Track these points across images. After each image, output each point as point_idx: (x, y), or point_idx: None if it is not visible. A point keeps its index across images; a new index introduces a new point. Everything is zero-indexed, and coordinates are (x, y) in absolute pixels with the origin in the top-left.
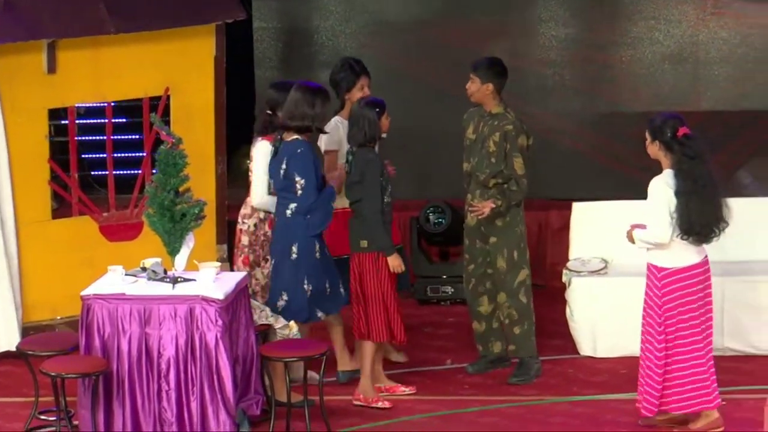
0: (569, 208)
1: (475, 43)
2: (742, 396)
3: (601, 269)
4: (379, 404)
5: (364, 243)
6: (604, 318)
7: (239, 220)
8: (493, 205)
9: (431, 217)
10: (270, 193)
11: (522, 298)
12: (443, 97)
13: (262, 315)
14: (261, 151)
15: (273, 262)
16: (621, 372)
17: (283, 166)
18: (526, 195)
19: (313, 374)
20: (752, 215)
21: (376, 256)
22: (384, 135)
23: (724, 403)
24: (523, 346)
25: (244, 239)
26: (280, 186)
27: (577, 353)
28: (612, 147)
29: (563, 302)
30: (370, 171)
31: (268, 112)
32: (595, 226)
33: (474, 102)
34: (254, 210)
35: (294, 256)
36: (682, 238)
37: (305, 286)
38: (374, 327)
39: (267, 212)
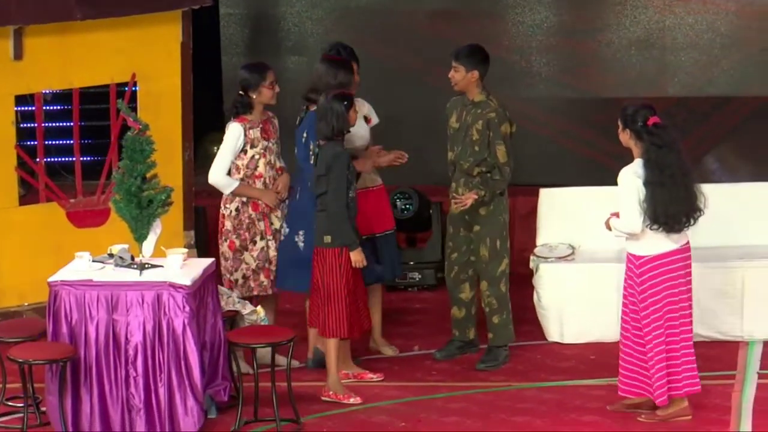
0: (536, 194)
1: (443, 29)
2: (709, 382)
3: (569, 255)
4: (351, 400)
5: (327, 238)
6: (572, 304)
7: (221, 205)
8: (476, 196)
9: (399, 203)
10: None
11: (502, 287)
12: (410, 82)
13: (230, 301)
14: (231, 133)
15: (306, 234)
16: (589, 358)
17: (305, 135)
18: (509, 183)
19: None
20: (719, 201)
21: (340, 251)
22: (373, 119)
23: (697, 389)
24: (501, 334)
25: (228, 224)
26: (302, 155)
27: (545, 339)
28: (579, 133)
29: (530, 288)
30: (337, 165)
31: (240, 93)
32: (562, 212)
33: (457, 91)
34: (234, 194)
35: None
36: (650, 228)
37: None
38: (335, 323)
39: (249, 196)
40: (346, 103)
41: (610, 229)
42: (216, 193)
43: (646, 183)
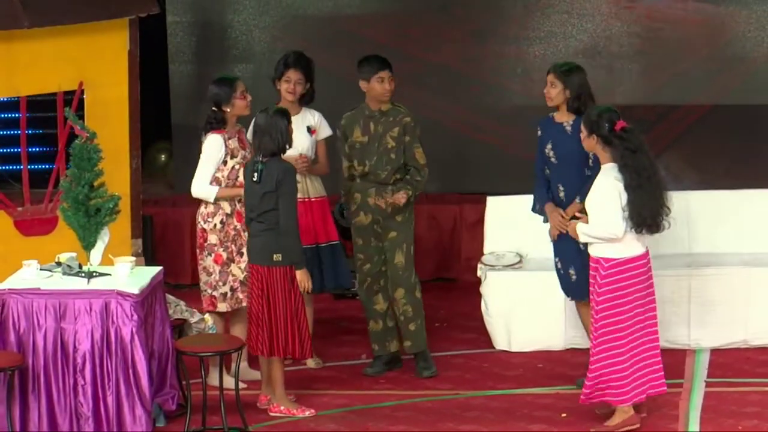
0: (483, 202)
1: (388, 37)
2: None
3: (516, 263)
4: (307, 414)
5: (278, 257)
6: (519, 312)
7: (199, 219)
8: (407, 195)
9: (347, 212)
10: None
11: (417, 294)
12: (357, 91)
13: (178, 309)
14: (212, 144)
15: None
16: (536, 366)
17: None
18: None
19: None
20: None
21: (289, 270)
22: (323, 131)
23: (663, 389)
24: (418, 341)
25: (212, 238)
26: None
27: (492, 347)
28: (526, 141)
29: (477, 296)
30: (287, 181)
31: (213, 108)
32: (509, 220)
33: (385, 101)
34: (217, 207)
35: None
36: (637, 231)
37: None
38: (281, 343)
39: (233, 207)
40: (286, 119)
41: (576, 236)
42: (162, 202)
43: (627, 187)
